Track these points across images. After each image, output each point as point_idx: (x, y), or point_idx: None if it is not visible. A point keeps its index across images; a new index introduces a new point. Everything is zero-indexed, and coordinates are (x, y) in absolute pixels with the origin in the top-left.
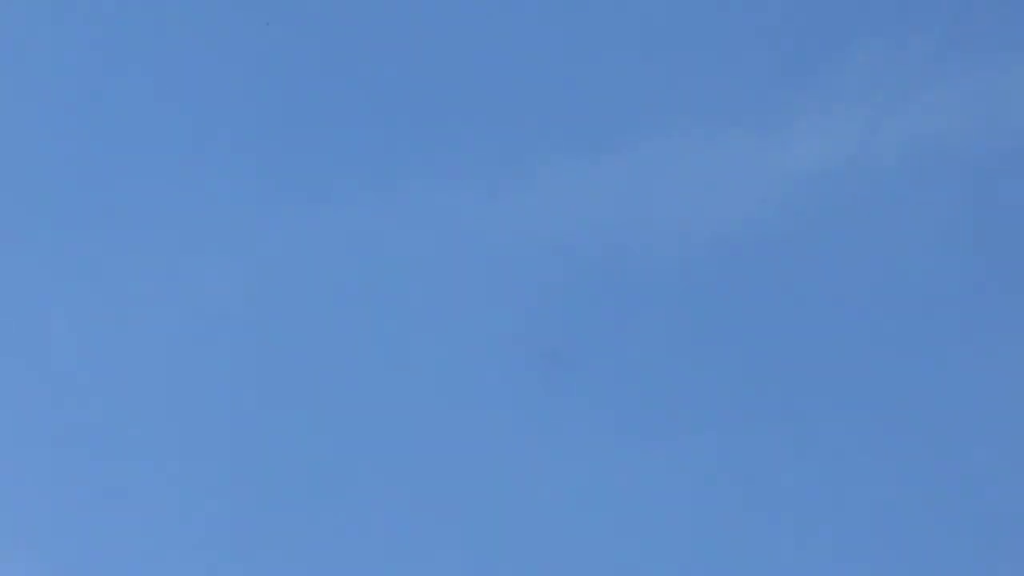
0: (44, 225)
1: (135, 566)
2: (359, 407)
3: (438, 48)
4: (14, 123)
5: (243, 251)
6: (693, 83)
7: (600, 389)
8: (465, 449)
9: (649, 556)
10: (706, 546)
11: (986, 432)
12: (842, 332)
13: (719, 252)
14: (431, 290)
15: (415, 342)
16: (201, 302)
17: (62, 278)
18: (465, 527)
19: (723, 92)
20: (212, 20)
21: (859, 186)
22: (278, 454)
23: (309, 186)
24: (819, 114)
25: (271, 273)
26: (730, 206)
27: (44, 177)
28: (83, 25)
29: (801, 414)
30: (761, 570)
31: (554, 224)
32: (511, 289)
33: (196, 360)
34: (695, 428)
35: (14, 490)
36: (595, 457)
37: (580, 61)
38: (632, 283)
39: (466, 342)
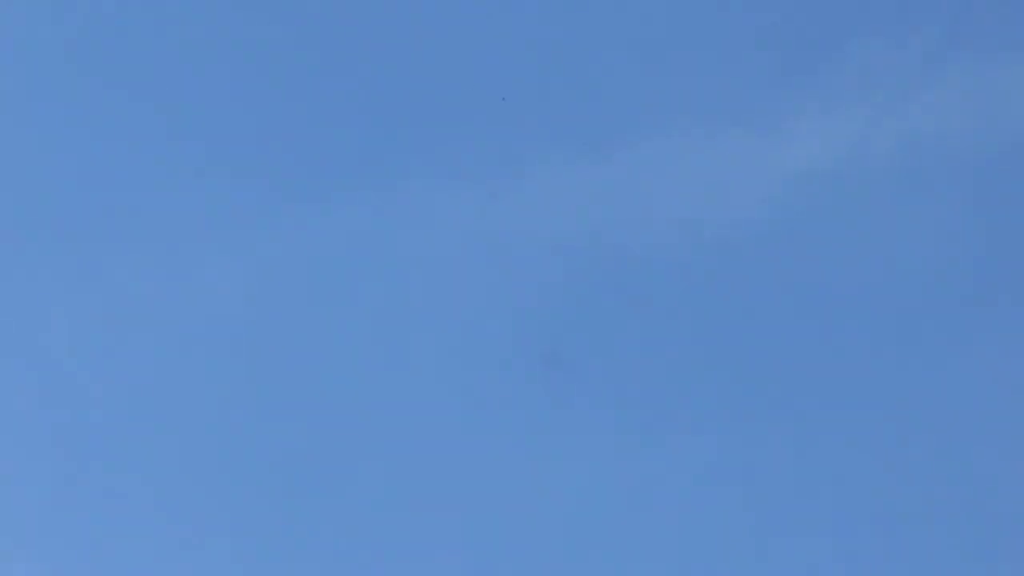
0: (44, 226)
1: (135, 566)
2: (358, 406)
3: (437, 49)
4: (15, 124)
5: (243, 251)
6: (692, 83)
7: (598, 388)
8: (464, 448)
9: (649, 555)
10: (705, 544)
11: (985, 429)
12: (840, 330)
13: (718, 251)
14: (430, 290)
15: (414, 342)
16: (201, 301)
17: (62, 279)
18: (464, 526)
19: (722, 92)
20: (213, 20)
21: (857, 185)
22: (277, 455)
23: (309, 186)
24: (817, 114)
25: (271, 273)
26: (729, 205)
27: (44, 178)
28: (84, 26)
29: (799, 412)
30: (761, 568)
31: (553, 224)
32: (510, 289)
33: (197, 360)
34: (693, 427)
35: (14, 490)
36: (594, 456)
37: (579, 62)
38: (630, 283)
39: (465, 342)
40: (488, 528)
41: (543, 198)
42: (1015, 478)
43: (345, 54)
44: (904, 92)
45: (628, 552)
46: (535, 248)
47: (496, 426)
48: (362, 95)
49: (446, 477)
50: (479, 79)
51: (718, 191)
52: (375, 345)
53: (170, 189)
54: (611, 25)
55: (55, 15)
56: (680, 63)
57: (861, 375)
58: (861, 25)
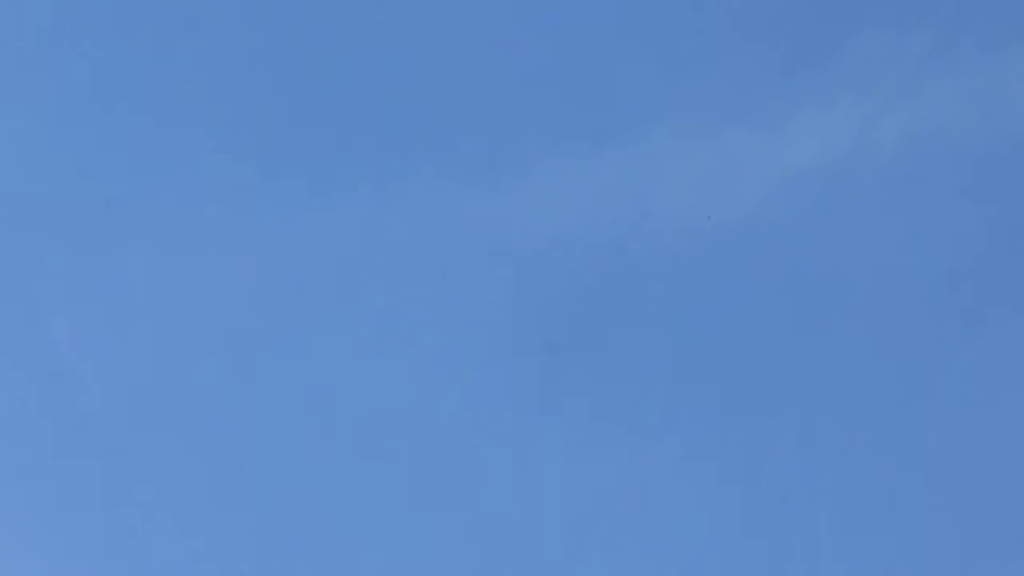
0: (44, 225)
1: (135, 564)
2: (360, 400)
3: (438, 45)
4: (13, 122)
5: (246, 247)
6: (693, 80)
7: (601, 383)
8: (466, 442)
9: (650, 549)
10: (706, 539)
11: (986, 426)
12: (841, 325)
13: (718, 246)
14: (433, 286)
15: (416, 337)
16: (204, 298)
17: (62, 278)
18: (466, 520)
19: (722, 87)
20: (216, 16)
21: (859, 181)
22: (281, 451)
23: (310, 183)
24: (818, 109)
25: (274, 269)
26: (729, 200)
27: (43, 176)
28: (83, 23)
29: (801, 407)
30: (762, 561)
31: (554, 219)
32: (511, 284)
33: (199, 356)
34: (693, 420)
35: (13, 488)
36: (594, 450)
37: (579, 57)
38: (632, 277)
39: (467, 337)
40: (489, 519)
41: (543, 193)
42: (1017, 472)
43: (347, 51)
44: (906, 88)
45: (629, 545)
46: (535, 242)
47: (497, 418)
48: (364, 92)
49: (450, 470)
50: (481, 76)
51: (718, 185)
52: (378, 340)
53: (171, 187)
54: (610, 21)
55: (55, 12)
56: (681, 60)
57: (861, 368)
58: (863, 21)
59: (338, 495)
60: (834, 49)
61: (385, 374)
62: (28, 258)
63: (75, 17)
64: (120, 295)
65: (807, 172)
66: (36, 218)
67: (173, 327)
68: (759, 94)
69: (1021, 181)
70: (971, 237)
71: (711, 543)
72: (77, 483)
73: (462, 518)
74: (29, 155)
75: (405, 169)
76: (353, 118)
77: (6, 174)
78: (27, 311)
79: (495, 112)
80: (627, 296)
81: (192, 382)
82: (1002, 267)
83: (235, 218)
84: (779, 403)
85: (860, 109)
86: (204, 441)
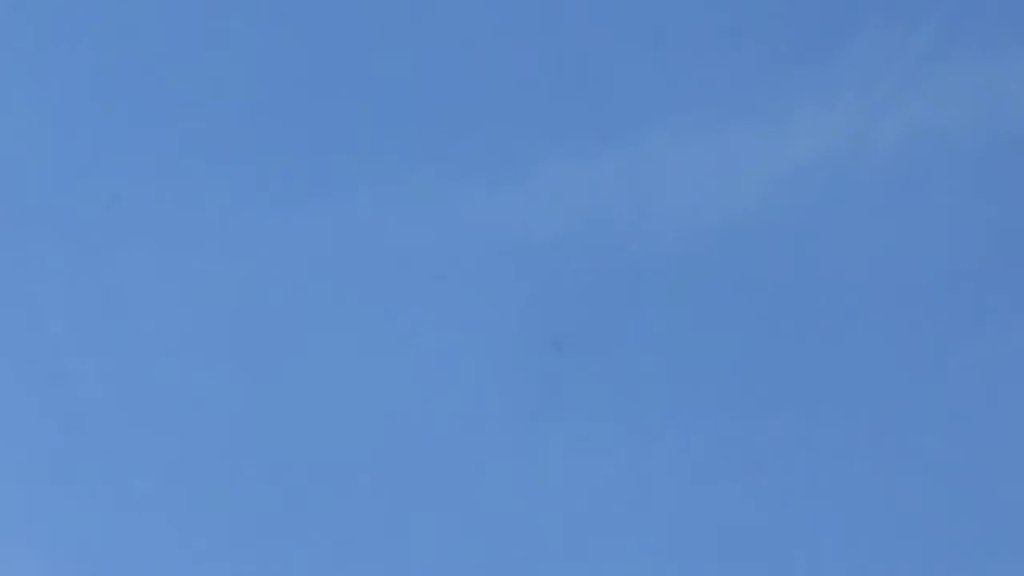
0: (40, 222)
1: (135, 566)
2: (362, 398)
3: (440, 43)
4: (11, 120)
5: (248, 244)
6: (693, 76)
7: (604, 380)
8: (466, 439)
9: (652, 547)
10: (708, 537)
11: (987, 424)
12: (842, 323)
13: (720, 243)
14: (432, 283)
15: (420, 335)
16: (205, 295)
17: (61, 276)
18: (468, 518)
19: (723, 84)
20: (214, 15)
21: (859, 177)
22: (283, 450)
23: (310, 181)
24: (818, 107)
25: (276, 266)
26: (730, 198)
27: (40, 173)
28: (80, 22)
29: (802, 405)
30: (763, 561)
31: (554, 216)
32: (511, 281)
33: (198, 353)
34: (692, 418)
35: (12, 486)
36: (598, 447)
37: (580, 55)
38: (633, 275)
39: (466, 335)
40: (492, 520)
41: (545, 190)
42: (1018, 470)
43: (350, 48)
44: (906, 86)
45: (632, 543)
46: (537, 241)
47: (501, 416)
48: (365, 91)
49: (450, 468)
50: (481, 74)
51: (719, 182)
52: (381, 337)
53: (173, 184)
54: (611, 19)
55: (52, 11)
56: (682, 58)
57: (864, 369)
58: (863, 19)
59: (340, 493)
60: (835, 47)
61: (385, 372)
62: (24, 257)
63: (74, 15)
64: (120, 294)
65: (807, 170)
66: (34, 218)
67: (173, 327)
68: (759, 92)
69: (1022, 180)
70: (971, 236)
71: (713, 542)
72: (77, 483)
73: (463, 516)
74: (28, 155)
75: (406, 168)
76: (354, 117)
77: (5, 174)
78: (27, 311)
79: (495, 110)
80: (627, 293)
81: (192, 382)
82: (1003, 266)
83: (239, 214)
84: (780, 401)
85: (861, 107)
86: (205, 441)
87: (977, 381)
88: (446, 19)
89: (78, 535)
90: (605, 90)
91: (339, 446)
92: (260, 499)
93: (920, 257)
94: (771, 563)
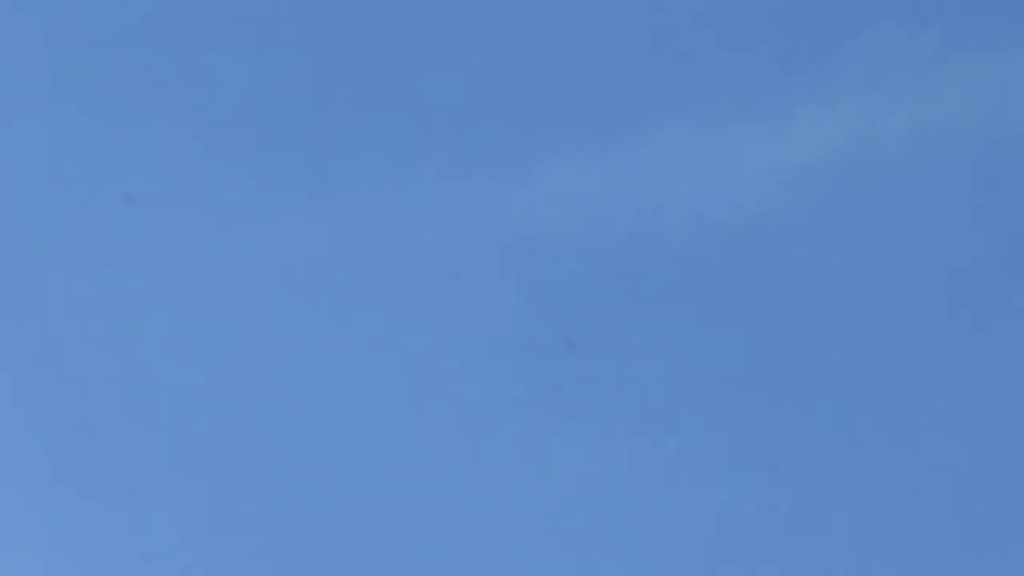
0: (44, 220)
1: (135, 566)
2: (367, 395)
3: (443, 42)
4: (21, 121)
5: (253, 241)
6: (695, 74)
7: (609, 377)
8: (471, 439)
9: (656, 545)
10: (711, 537)
11: (988, 424)
12: (845, 322)
13: (721, 242)
14: (437, 280)
15: (425, 332)
16: (210, 293)
17: (61, 275)
18: (472, 516)
19: (728, 84)
20: (214, 15)
21: (862, 176)
22: (285, 449)
23: (316, 180)
24: (821, 106)
25: (281, 263)
26: (732, 196)
27: (43, 172)
28: (83, 21)
29: (805, 403)
30: (765, 560)
31: (558, 214)
32: (516, 279)
33: (204, 351)
34: (695, 416)
35: (13, 484)
36: (605, 444)
37: (583, 54)
38: (635, 273)
39: (471, 331)
40: (495, 518)
41: (549, 189)
42: (1019, 469)
43: (353, 48)
44: (909, 86)
45: (635, 542)
46: (541, 239)
47: (507, 413)
48: (371, 89)
49: (453, 467)
50: (486, 72)
51: (723, 181)
52: (387, 335)
53: (176, 185)
54: (614, 17)
55: (52, 10)
56: (685, 57)
57: (867, 368)
58: (866, 18)
59: (344, 492)
60: (837, 47)
61: (389, 370)
62: (28, 255)
63: (74, 14)
64: (124, 293)
65: (810, 169)
66: (43, 218)
67: (178, 325)
68: (762, 91)
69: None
70: (974, 235)
71: (715, 542)
72: (78, 483)
73: (468, 514)
74: (38, 156)
75: (411, 165)
76: (358, 116)
77: (8, 174)
78: (29, 310)
79: (498, 109)
80: (630, 292)
81: (196, 380)
82: (1005, 266)
83: (244, 211)
84: (782, 399)
85: (863, 107)
86: (208, 440)
87: (977, 381)
88: (448, 19)
89: (78, 535)
90: (608, 89)
91: (343, 445)
92: (262, 498)
93: (921, 257)
94: (775, 562)
